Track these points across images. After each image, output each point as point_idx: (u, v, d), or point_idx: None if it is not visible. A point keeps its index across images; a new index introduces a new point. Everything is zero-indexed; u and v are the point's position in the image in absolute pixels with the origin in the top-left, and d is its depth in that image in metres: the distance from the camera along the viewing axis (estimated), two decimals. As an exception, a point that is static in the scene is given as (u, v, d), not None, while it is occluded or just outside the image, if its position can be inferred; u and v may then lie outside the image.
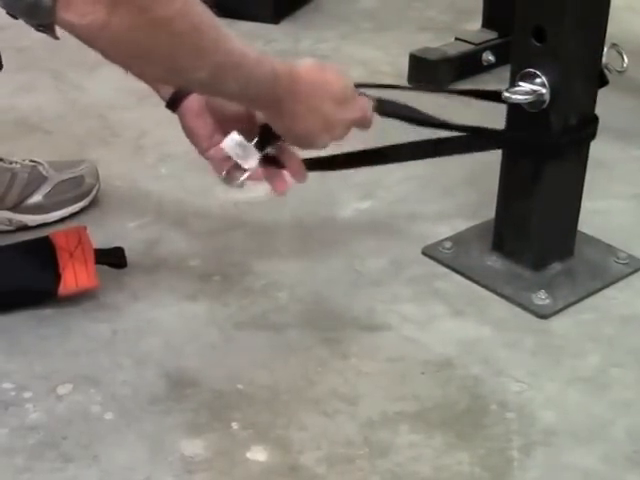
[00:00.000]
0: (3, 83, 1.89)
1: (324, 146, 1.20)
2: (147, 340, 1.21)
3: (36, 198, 1.43)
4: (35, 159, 1.46)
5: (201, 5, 1.02)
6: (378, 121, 1.22)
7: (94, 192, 1.49)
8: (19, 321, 1.23)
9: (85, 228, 1.28)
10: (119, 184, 1.56)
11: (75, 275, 1.23)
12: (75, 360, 1.18)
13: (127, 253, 1.31)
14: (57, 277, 1.23)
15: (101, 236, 1.32)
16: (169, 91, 1.23)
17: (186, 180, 1.59)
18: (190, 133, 1.23)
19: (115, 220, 1.46)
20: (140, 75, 1.07)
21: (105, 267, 1.29)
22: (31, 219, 1.43)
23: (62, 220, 1.44)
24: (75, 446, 1.04)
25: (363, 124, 1.22)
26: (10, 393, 1.12)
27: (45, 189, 1.44)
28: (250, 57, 1.10)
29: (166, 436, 1.06)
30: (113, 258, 1.30)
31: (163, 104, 1.23)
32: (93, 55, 0.93)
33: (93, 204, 1.49)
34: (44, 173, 1.45)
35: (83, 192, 1.48)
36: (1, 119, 1.74)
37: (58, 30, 0.96)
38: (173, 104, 1.23)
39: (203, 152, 1.23)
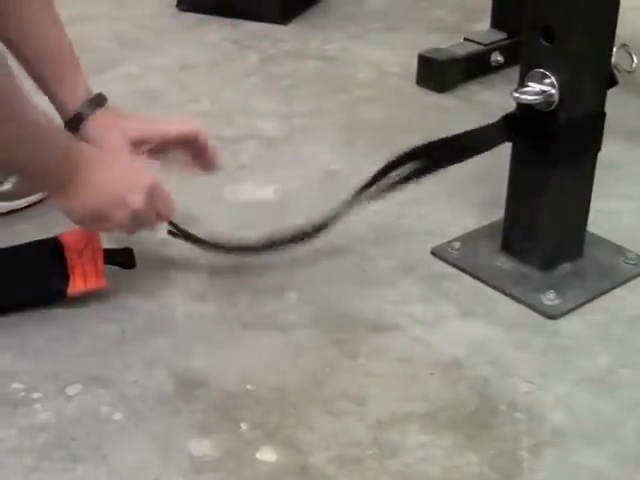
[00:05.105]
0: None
1: (121, 224, 1.21)
2: (156, 340, 1.21)
3: (6, 186, 1.47)
4: None
5: (5, 70, 1.02)
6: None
7: None
8: (28, 321, 1.23)
9: (94, 228, 1.28)
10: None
11: (84, 275, 1.23)
12: (84, 360, 1.18)
13: (136, 253, 1.31)
14: (66, 277, 1.23)
15: (110, 236, 1.32)
16: (72, 109, 1.28)
17: (194, 181, 1.58)
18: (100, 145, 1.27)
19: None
20: None
21: (114, 267, 1.29)
22: (3, 206, 1.47)
23: (30, 206, 1.49)
24: (84, 446, 1.04)
25: (159, 199, 1.23)
26: (19, 393, 1.12)
27: (14, 178, 1.47)
28: (43, 129, 1.11)
29: (175, 436, 1.06)
30: (122, 258, 1.30)
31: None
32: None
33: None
34: None
35: None
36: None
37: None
38: (75, 124, 1.28)
39: None
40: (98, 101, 1.32)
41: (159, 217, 1.26)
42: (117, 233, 1.26)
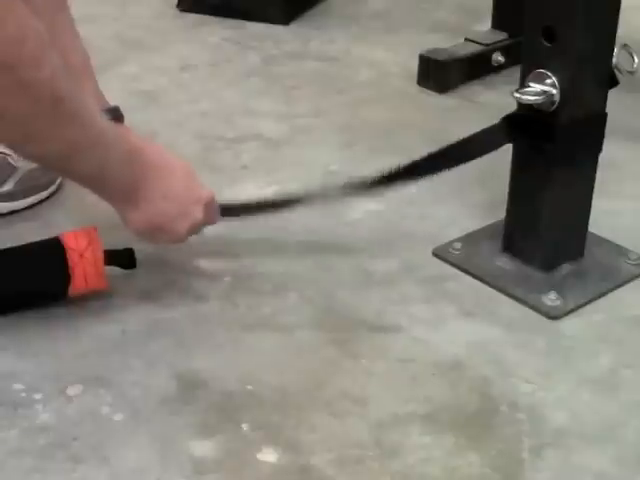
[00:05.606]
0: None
1: (180, 236, 1.22)
2: (157, 341, 1.21)
3: (7, 187, 1.47)
4: (3, 150, 1.49)
5: (70, 78, 1.00)
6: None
7: (59, 178, 1.53)
8: (29, 322, 1.23)
9: (95, 229, 1.28)
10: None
11: (85, 276, 1.23)
12: (85, 361, 1.18)
13: (137, 254, 1.31)
14: (67, 278, 1.23)
15: (111, 237, 1.32)
16: None
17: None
18: None
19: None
20: None
21: (115, 268, 1.29)
22: (3, 206, 1.47)
23: (31, 207, 1.49)
24: (85, 447, 1.04)
25: (212, 210, 1.24)
26: (20, 394, 1.12)
27: (15, 178, 1.48)
28: (108, 136, 1.08)
29: (176, 437, 1.06)
30: (123, 259, 1.30)
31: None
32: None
33: (102, 204, 1.49)
34: (13, 163, 1.49)
35: (51, 179, 1.51)
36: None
37: None
38: None
39: None
40: (111, 113, 1.27)
41: (206, 225, 1.27)
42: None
